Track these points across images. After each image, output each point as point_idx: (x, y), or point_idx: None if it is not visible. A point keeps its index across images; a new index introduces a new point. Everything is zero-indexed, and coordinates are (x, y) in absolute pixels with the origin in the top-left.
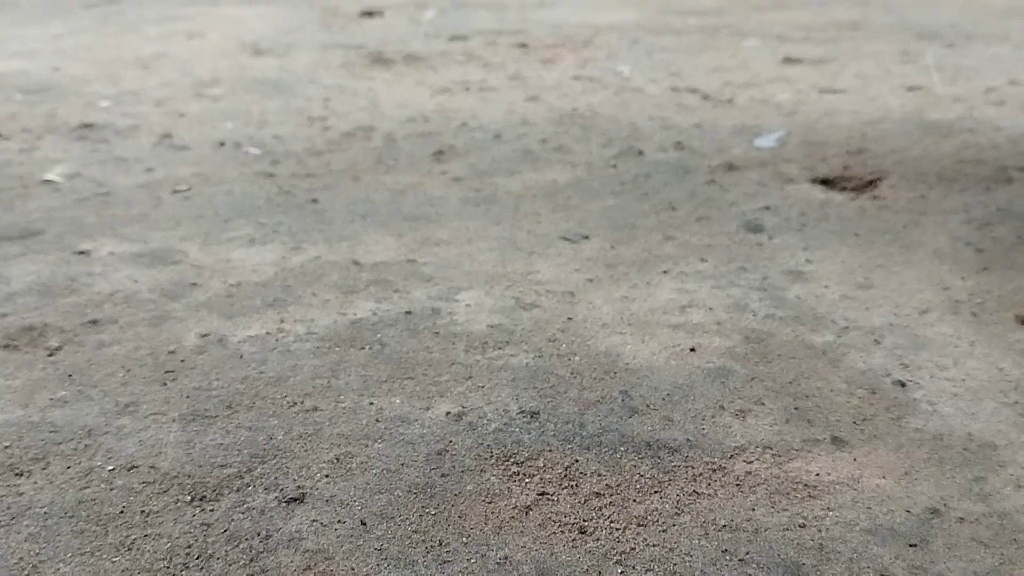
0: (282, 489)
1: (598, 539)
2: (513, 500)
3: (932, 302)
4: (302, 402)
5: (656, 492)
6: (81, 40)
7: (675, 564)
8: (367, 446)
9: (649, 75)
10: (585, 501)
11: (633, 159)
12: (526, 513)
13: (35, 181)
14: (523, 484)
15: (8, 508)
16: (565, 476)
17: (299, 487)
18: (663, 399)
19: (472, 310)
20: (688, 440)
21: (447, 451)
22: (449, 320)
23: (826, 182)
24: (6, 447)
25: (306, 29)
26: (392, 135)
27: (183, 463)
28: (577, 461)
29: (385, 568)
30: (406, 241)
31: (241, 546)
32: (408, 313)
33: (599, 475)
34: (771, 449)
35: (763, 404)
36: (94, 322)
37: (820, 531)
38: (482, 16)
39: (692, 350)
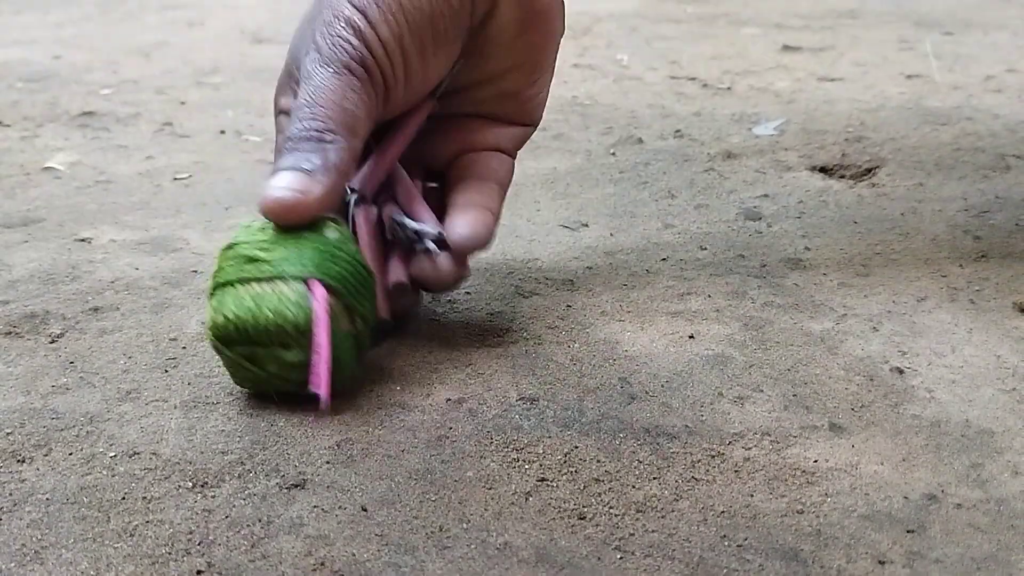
0: (283, 475)
1: (597, 524)
2: (513, 486)
3: (930, 289)
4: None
5: (655, 478)
6: (82, 28)
7: (673, 549)
8: (368, 432)
9: (648, 63)
10: (584, 487)
11: (632, 147)
12: (526, 499)
13: (36, 169)
14: (523, 470)
15: (11, 494)
16: (564, 462)
17: (300, 473)
18: (662, 386)
19: (472, 298)
20: (687, 426)
21: (447, 437)
22: (449, 308)
23: (824, 170)
24: (8, 434)
25: None
26: None
27: (184, 449)
28: (576, 447)
29: (386, 553)
30: None
31: (242, 532)
32: None
33: (598, 461)
34: (769, 435)
35: (761, 391)
36: (95, 309)
37: (818, 517)
38: None
39: (691, 337)
